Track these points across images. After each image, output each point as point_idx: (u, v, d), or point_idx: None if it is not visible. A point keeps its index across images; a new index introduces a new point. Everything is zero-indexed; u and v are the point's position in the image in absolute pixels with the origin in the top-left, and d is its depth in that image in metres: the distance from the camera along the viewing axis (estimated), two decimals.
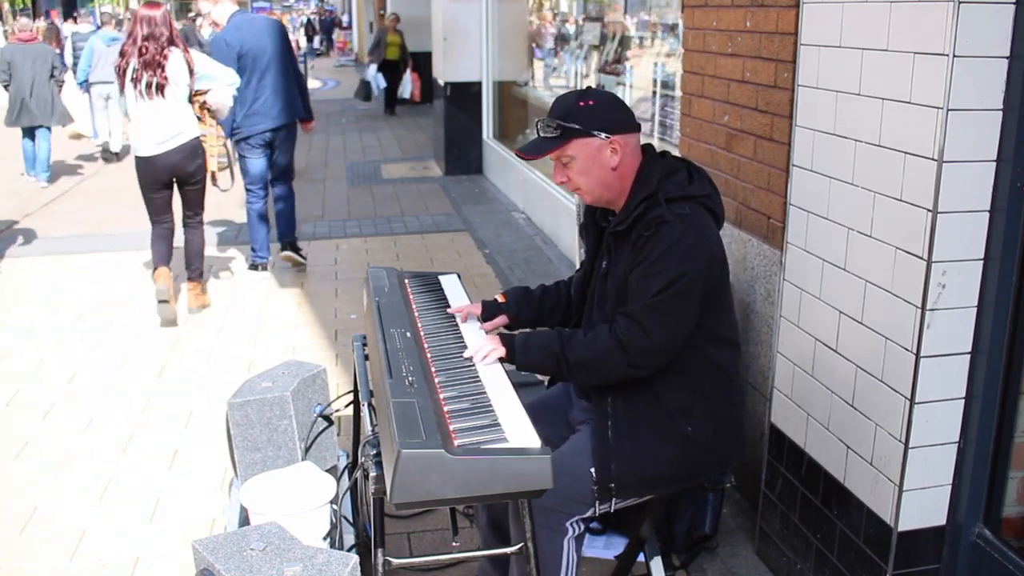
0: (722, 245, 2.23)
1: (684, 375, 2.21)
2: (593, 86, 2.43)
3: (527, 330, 2.34)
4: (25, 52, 8.94)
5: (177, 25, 5.44)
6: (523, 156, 2.26)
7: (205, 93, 5.01)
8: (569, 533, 2.20)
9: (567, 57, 7.43)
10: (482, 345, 2.21)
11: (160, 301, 5.03)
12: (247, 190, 5.90)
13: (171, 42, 4.86)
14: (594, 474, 2.18)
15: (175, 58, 4.84)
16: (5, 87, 9.01)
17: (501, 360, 2.18)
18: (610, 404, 2.21)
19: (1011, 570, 2.09)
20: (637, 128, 2.26)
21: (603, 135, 2.18)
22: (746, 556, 2.90)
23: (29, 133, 9.21)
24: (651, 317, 2.11)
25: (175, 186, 5.13)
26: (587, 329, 2.27)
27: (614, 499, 2.21)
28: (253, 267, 6.06)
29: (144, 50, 4.79)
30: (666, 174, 2.22)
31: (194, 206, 5.27)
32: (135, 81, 4.81)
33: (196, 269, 5.38)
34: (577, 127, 2.17)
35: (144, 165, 4.99)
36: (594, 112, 2.18)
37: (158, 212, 5.18)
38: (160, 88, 4.80)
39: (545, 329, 2.34)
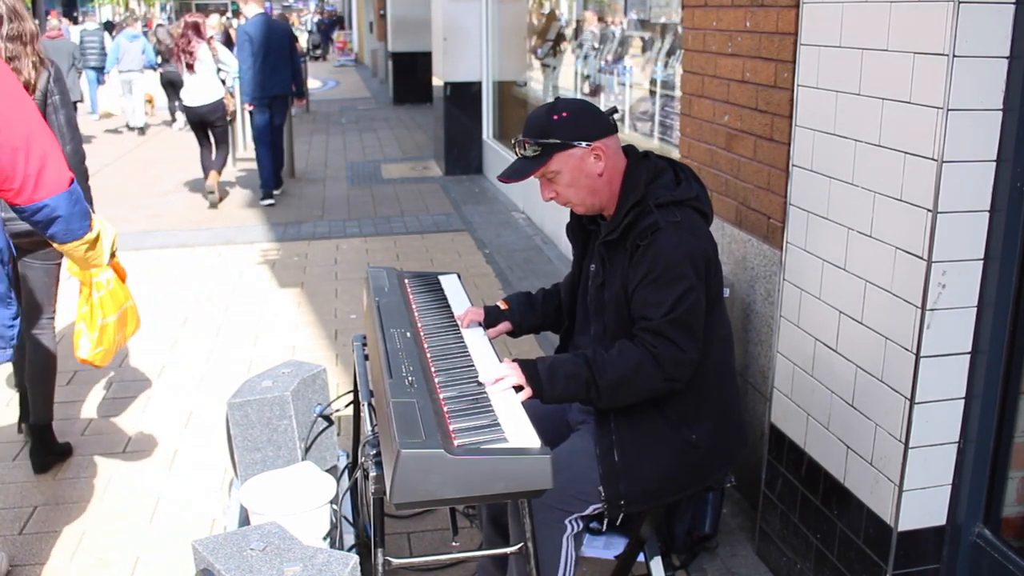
0: (714, 243, 2.22)
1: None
2: (560, 96, 2.36)
3: (544, 355, 2.25)
4: (52, 46, 11.18)
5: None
6: (507, 180, 2.21)
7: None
8: (568, 531, 2.20)
9: (564, 57, 7.43)
10: (497, 372, 2.09)
11: (209, 193, 8.19)
12: (254, 138, 8.48)
13: (199, 37, 7.95)
14: (603, 493, 2.18)
15: (201, 48, 7.90)
16: None
17: (517, 389, 2.06)
18: (612, 421, 2.19)
19: (1011, 570, 2.09)
20: (614, 129, 2.22)
21: (584, 143, 2.14)
22: (746, 556, 2.90)
23: None
24: (677, 331, 2.08)
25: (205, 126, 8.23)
26: (600, 344, 2.23)
27: (623, 513, 2.23)
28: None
29: (185, 43, 7.92)
30: (652, 176, 2.19)
31: (220, 141, 8.33)
32: (181, 61, 7.95)
33: (218, 168, 8.38)
34: (556, 141, 2.14)
35: (187, 110, 8.19)
36: (569, 123, 2.15)
37: (200, 138, 8.27)
38: (190, 66, 7.86)
39: (565, 355, 2.23)
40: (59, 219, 2.31)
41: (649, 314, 2.10)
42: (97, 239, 2.53)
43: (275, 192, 8.56)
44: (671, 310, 2.07)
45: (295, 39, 8.80)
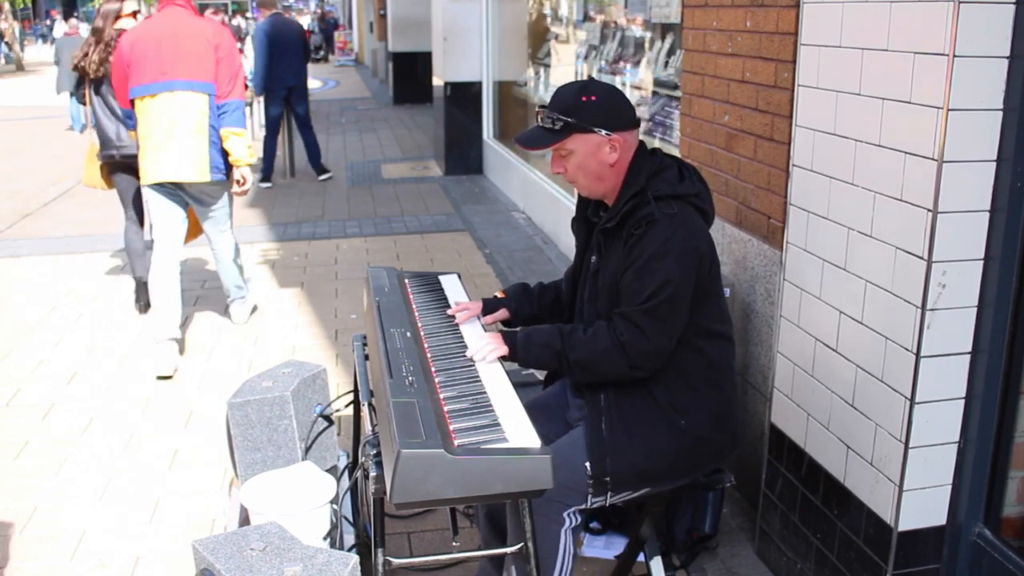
0: (711, 241, 2.23)
1: (678, 372, 2.22)
2: (593, 77, 2.39)
3: (528, 327, 2.34)
4: (69, 42, 13.58)
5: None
6: (522, 146, 2.26)
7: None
8: (566, 524, 2.20)
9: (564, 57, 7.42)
10: (483, 344, 2.21)
11: None
12: (265, 127, 9.52)
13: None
14: (589, 468, 2.18)
15: None
16: (56, 64, 14.25)
17: (503, 358, 2.18)
18: (603, 399, 2.22)
19: (1011, 570, 2.09)
20: (637, 124, 2.25)
21: (604, 132, 2.17)
22: (746, 556, 2.90)
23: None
24: (649, 321, 2.12)
25: None
26: (584, 325, 2.28)
27: (609, 493, 2.22)
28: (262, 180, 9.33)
29: None
30: (656, 171, 2.22)
31: None
32: None
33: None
34: (578, 122, 2.16)
35: None
36: (596, 108, 2.17)
37: None
38: None
39: (546, 325, 2.34)
40: (231, 113, 4.46)
41: (627, 301, 2.16)
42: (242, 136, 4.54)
43: (322, 177, 9.47)
44: (647, 300, 2.12)
45: (306, 34, 9.92)
